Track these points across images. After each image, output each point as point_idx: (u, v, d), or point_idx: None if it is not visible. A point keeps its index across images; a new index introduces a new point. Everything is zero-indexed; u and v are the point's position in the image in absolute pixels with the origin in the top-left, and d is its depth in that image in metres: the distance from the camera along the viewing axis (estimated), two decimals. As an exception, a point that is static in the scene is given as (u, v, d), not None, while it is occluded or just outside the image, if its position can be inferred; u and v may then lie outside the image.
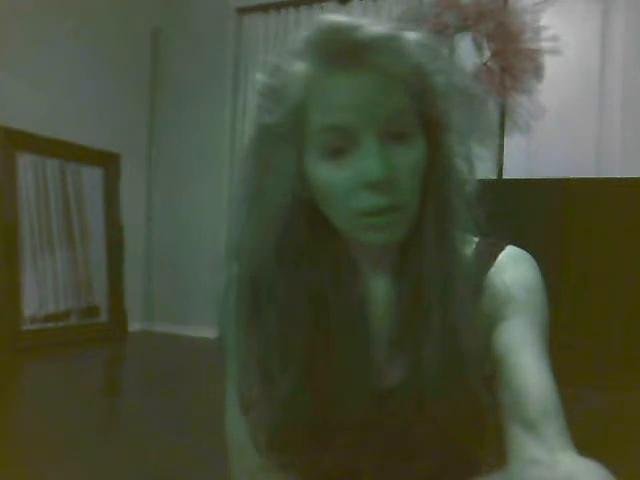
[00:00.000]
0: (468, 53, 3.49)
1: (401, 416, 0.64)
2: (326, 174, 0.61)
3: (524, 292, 0.66)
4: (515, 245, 0.71)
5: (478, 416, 0.65)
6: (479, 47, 3.54)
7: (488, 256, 0.68)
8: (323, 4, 4.24)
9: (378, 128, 0.60)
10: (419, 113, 0.62)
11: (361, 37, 0.58)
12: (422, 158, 0.62)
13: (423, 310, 0.63)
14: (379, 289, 0.68)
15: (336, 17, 0.61)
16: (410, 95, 0.61)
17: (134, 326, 4.73)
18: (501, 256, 0.68)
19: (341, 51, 0.59)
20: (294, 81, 0.61)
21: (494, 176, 3.44)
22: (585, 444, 0.65)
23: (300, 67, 0.61)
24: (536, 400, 0.61)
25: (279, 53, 0.64)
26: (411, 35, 0.62)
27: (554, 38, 3.43)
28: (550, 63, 3.49)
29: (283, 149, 0.63)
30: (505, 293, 0.66)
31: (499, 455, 0.66)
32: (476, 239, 0.70)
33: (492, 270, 0.67)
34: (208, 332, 4.20)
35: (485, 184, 0.66)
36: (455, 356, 0.63)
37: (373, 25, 0.59)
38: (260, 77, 0.65)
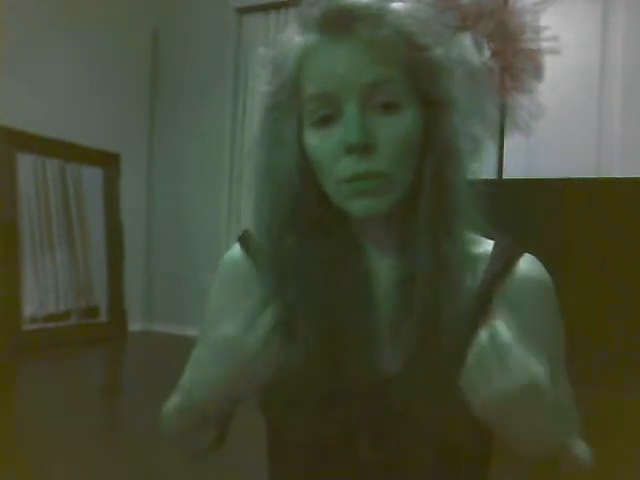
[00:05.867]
0: (468, 53, 3.49)
1: (398, 401, 0.62)
2: (315, 142, 0.63)
3: (547, 321, 0.65)
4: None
5: (472, 422, 0.61)
6: (479, 47, 3.54)
7: (504, 264, 0.66)
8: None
9: (361, 96, 0.60)
10: (414, 86, 0.62)
11: (348, 5, 0.60)
12: (413, 130, 0.62)
13: (414, 297, 0.62)
14: (383, 270, 0.67)
15: None
16: (401, 67, 0.61)
17: (134, 326, 4.73)
18: (520, 269, 0.66)
19: (330, 21, 0.61)
20: (289, 53, 0.63)
21: (494, 176, 3.44)
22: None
23: (295, 39, 0.63)
24: None
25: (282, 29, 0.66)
26: (403, 6, 0.62)
27: (554, 38, 3.43)
28: (550, 63, 3.49)
29: (284, 120, 0.64)
30: (528, 319, 0.61)
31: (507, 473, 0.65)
32: (490, 241, 0.68)
33: (510, 283, 0.65)
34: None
35: (485, 184, 0.65)
36: (440, 353, 0.60)
37: None
38: (262, 50, 0.67)
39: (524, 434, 0.54)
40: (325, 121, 0.62)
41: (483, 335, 0.52)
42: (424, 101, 0.62)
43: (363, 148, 0.59)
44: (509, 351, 0.51)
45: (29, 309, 3.95)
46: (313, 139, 0.63)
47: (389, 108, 0.61)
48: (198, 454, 0.73)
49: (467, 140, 0.64)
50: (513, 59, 3.45)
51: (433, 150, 0.63)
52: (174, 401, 0.73)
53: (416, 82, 0.62)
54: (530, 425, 0.53)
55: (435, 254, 0.62)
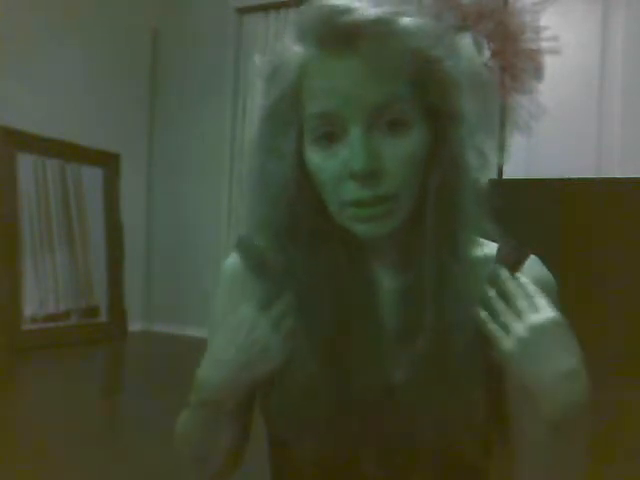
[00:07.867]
0: (468, 53, 3.49)
1: (403, 414, 0.62)
2: (317, 161, 0.60)
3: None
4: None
5: (477, 423, 0.62)
6: (479, 47, 3.53)
7: (510, 267, 0.65)
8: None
9: (366, 116, 0.57)
10: (421, 102, 0.59)
11: (352, 21, 0.56)
12: (420, 148, 0.60)
13: (419, 309, 0.62)
14: (386, 280, 0.66)
15: (331, 0, 0.59)
16: (408, 82, 0.58)
17: (134, 326, 4.73)
18: (523, 271, 0.65)
19: (332, 36, 0.57)
20: (288, 64, 0.60)
21: (494, 176, 3.44)
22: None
23: (295, 51, 0.60)
24: None
25: (282, 36, 0.63)
26: (409, 20, 0.59)
27: (554, 38, 3.43)
28: (550, 63, 3.49)
29: (283, 132, 0.62)
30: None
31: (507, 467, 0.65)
32: (494, 243, 0.68)
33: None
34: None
35: (486, 186, 0.64)
36: (447, 361, 0.60)
37: (367, 9, 0.57)
38: (259, 59, 0.65)
39: (548, 376, 0.57)
40: (328, 139, 0.60)
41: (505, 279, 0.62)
42: (432, 115, 0.60)
43: (369, 174, 0.57)
44: (535, 293, 0.59)
45: (29, 309, 3.95)
46: (316, 157, 0.60)
47: (396, 127, 0.59)
48: (214, 473, 0.72)
49: (474, 154, 0.63)
50: (513, 59, 3.45)
51: (440, 164, 0.61)
52: (185, 413, 0.71)
53: (424, 97, 0.59)
54: (555, 361, 0.58)
55: (440, 265, 0.61)
